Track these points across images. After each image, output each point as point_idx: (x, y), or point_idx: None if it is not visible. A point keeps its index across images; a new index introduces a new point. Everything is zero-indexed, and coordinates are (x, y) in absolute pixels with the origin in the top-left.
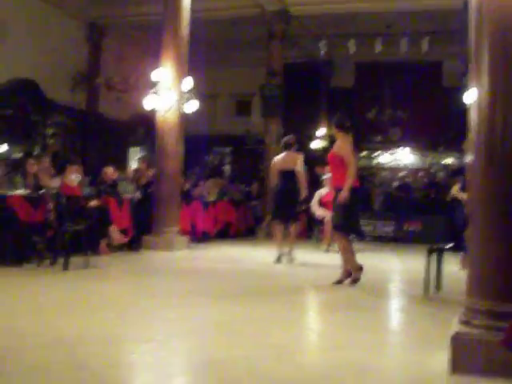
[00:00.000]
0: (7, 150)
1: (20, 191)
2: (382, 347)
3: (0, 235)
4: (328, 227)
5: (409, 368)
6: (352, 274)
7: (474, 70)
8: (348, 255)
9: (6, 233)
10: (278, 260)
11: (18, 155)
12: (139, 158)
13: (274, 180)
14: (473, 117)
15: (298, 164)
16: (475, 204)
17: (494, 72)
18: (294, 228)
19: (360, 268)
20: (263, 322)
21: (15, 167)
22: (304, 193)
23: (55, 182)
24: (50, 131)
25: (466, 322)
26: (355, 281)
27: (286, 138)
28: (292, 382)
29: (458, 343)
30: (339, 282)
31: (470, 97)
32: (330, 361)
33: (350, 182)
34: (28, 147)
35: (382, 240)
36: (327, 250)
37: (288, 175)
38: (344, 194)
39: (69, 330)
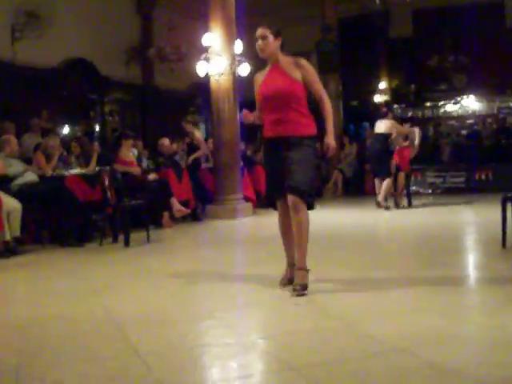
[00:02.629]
0: (69, 131)
1: (75, 171)
2: (458, 310)
3: (60, 217)
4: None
5: (490, 333)
6: (298, 274)
7: None
8: (306, 241)
9: (65, 214)
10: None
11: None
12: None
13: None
14: None
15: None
16: None
17: None
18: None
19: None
20: (327, 290)
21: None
22: None
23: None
24: (107, 108)
25: None
26: (304, 289)
27: None
28: (359, 353)
29: None
30: (290, 280)
31: None
32: (402, 327)
33: (331, 122)
34: (87, 126)
35: (453, 191)
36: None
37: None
38: (333, 143)
39: (126, 310)
